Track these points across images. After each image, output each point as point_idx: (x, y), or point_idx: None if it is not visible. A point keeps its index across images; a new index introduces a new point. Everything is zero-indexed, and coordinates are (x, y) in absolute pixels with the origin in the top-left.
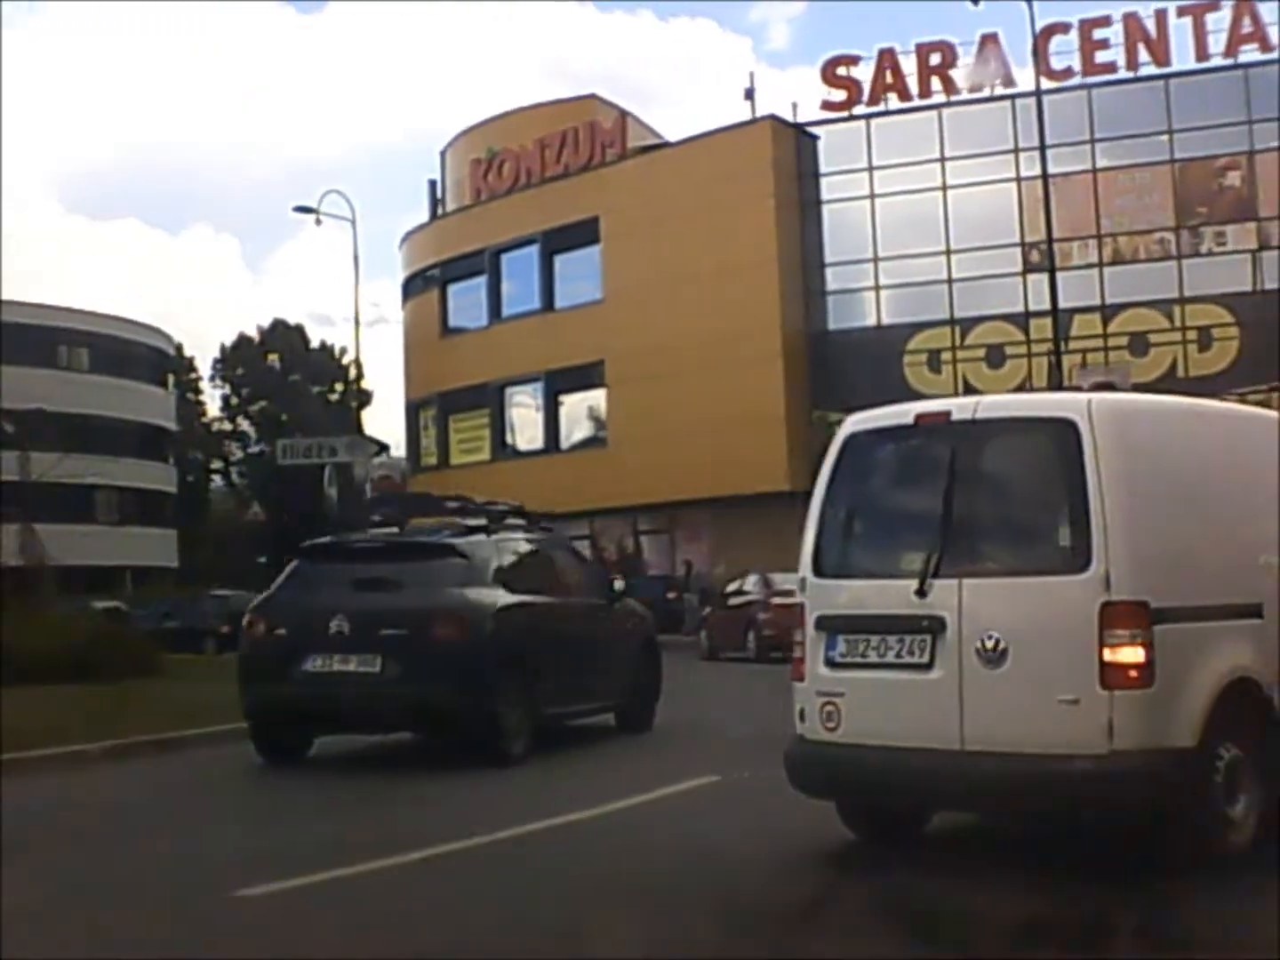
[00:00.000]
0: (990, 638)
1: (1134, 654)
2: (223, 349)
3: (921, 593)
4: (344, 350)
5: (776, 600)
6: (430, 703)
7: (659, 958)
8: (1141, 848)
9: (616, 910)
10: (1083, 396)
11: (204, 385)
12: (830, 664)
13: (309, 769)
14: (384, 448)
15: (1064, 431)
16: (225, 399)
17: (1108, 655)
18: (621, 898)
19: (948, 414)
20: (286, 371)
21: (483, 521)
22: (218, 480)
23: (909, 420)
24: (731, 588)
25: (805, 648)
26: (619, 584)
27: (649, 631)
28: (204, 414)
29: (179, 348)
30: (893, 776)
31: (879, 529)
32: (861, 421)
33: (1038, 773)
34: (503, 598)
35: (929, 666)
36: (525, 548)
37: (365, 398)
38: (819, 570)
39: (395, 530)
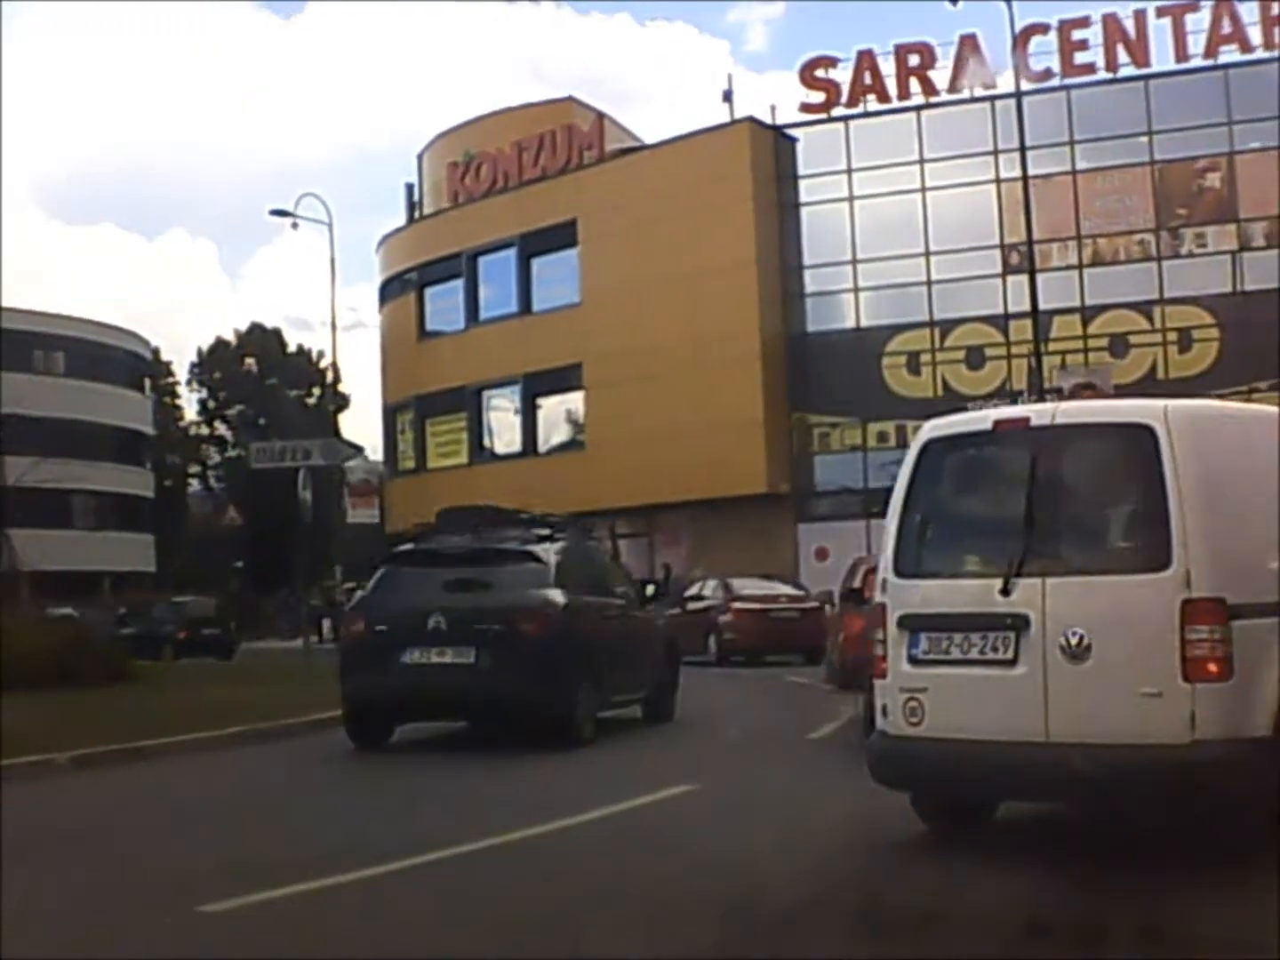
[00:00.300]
0: (1074, 634)
1: (1213, 648)
2: (200, 353)
3: (1006, 591)
4: (321, 354)
5: (736, 605)
6: (519, 691)
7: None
8: (1213, 834)
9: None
10: (1158, 403)
11: (181, 389)
12: (913, 661)
13: (277, 779)
14: (359, 450)
15: (1142, 436)
16: (202, 403)
17: (1189, 650)
18: (613, 903)
19: (1027, 420)
20: (264, 375)
21: (546, 531)
22: (195, 485)
23: (988, 426)
24: (691, 592)
25: (887, 646)
26: (650, 588)
27: (672, 630)
28: (181, 418)
29: (156, 352)
30: (978, 768)
31: (960, 531)
32: (938, 428)
33: (1123, 762)
34: (569, 598)
35: (1013, 662)
36: (578, 554)
37: (343, 401)
38: (900, 571)
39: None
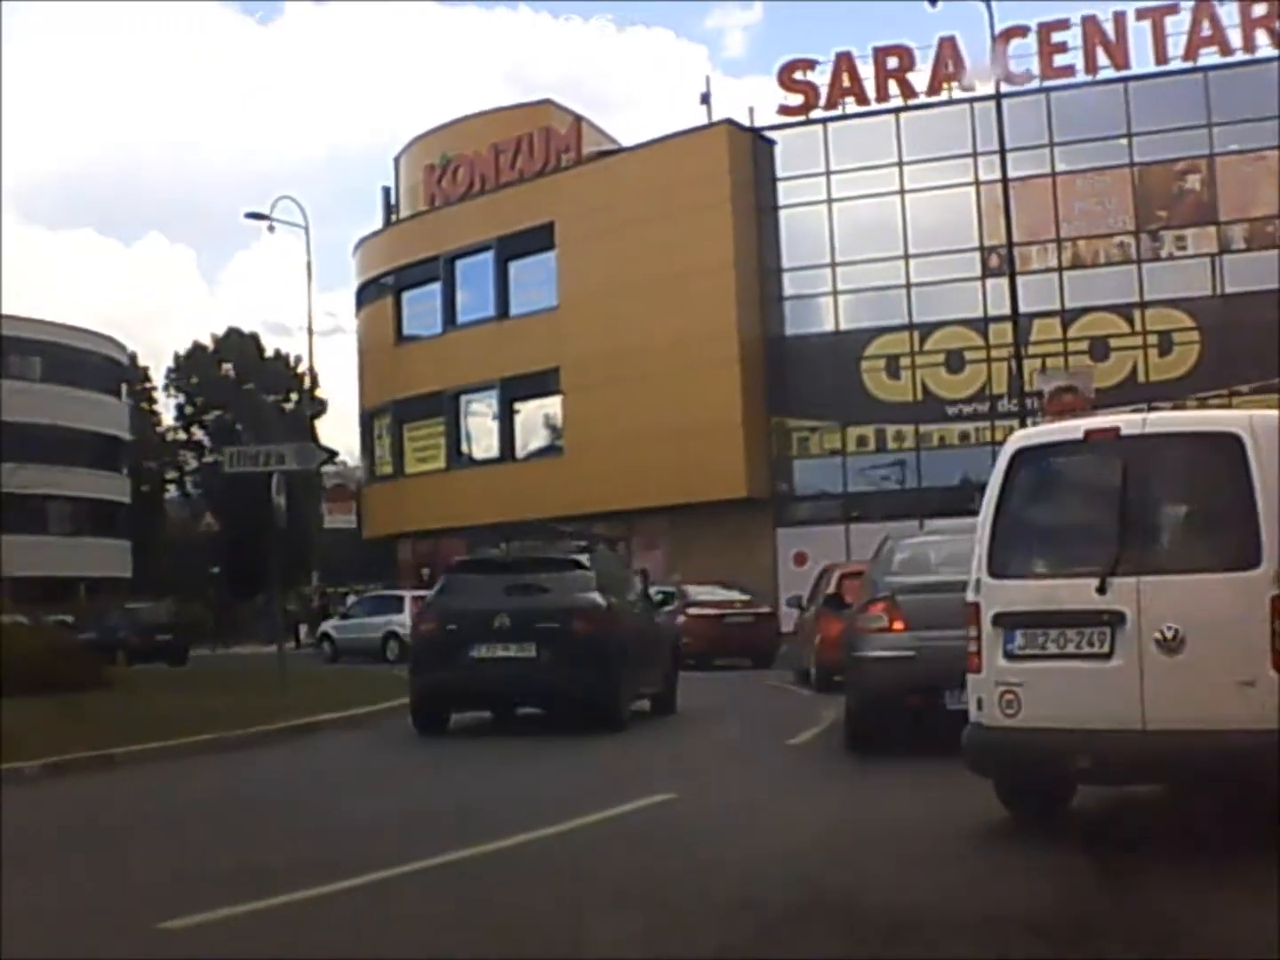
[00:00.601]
0: (1169, 628)
1: None
2: (176, 358)
3: (1102, 590)
4: (299, 359)
5: (692, 611)
6: (574, 681)
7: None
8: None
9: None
10: (1242, 414)
11: (158, 395)
12: (1009, 656)
13: (247, 788)
14: (333, 455)
15: (1230, 444)
16: (179, 408)
17: (1279, 642)
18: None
19: (1117, 429)
20: (241, 380)
21: (584, 543)
22: (172, 490)
23: (1079, 435)
24: None
25: (981, 643)
26: (661, 595)
27: (676, 631)
28: (158, 423)
29: (133, 357)
30: (1075, 756)
31: (1052, 534)
32: (1028, 438)
33: (1218, 747)
34: (609, 600)
35: (1109, 656)
36: (608, 563)
37: (320, 406)
38: (994, 573)
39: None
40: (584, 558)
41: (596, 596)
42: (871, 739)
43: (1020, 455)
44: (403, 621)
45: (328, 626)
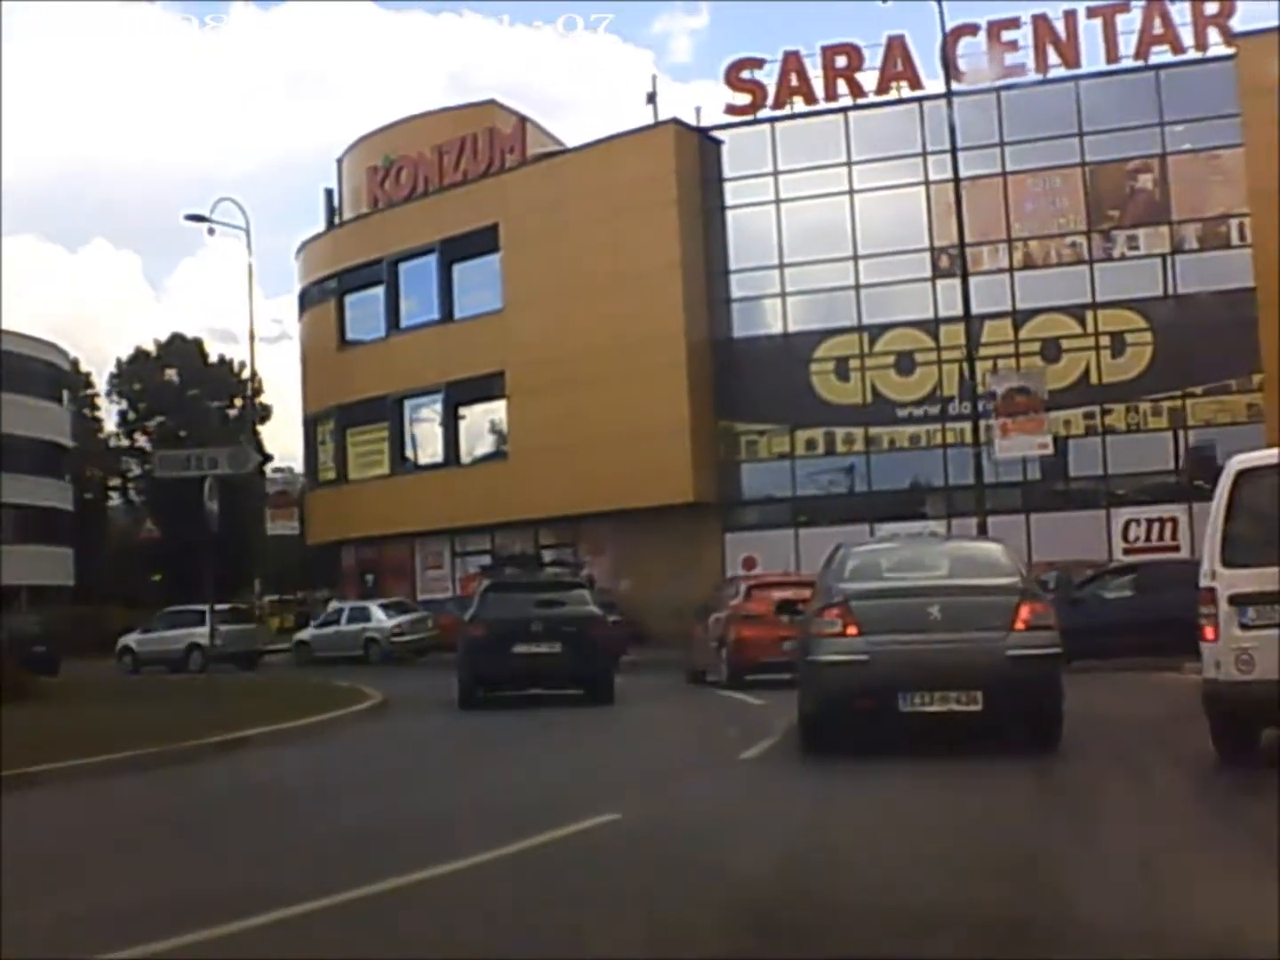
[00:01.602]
0: None
1: None
2: (119, 363)
3: None
4: (243, 365)
5: (612, 617)
6: (588, 669)
7: None
8: None
9: None
10: None
11: (101, 401)
12: (1243, 627)
13: (171, 810)
14: (267, 458)
15: None
16: (122, 414)
17: None
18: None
19: None
20: (185, 386)
21: (569, 568)
22: (115, 497)
23: None
24: None
25: (1218, 618)
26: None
27: (619, 632)
28: (101, 430)
29: (75, 363)
30: None
31: (1274, 534)
32: (1248, 460)
33: None
34: (601, 610)
35: None
36: (585, 582)
37: (265, 412)
38: (1228, 564)
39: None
40: (583, 578)
41: (595, 609)
42: (824, 739)
43: (1243, 474)
44: (204, 634)
45: (129, 640)
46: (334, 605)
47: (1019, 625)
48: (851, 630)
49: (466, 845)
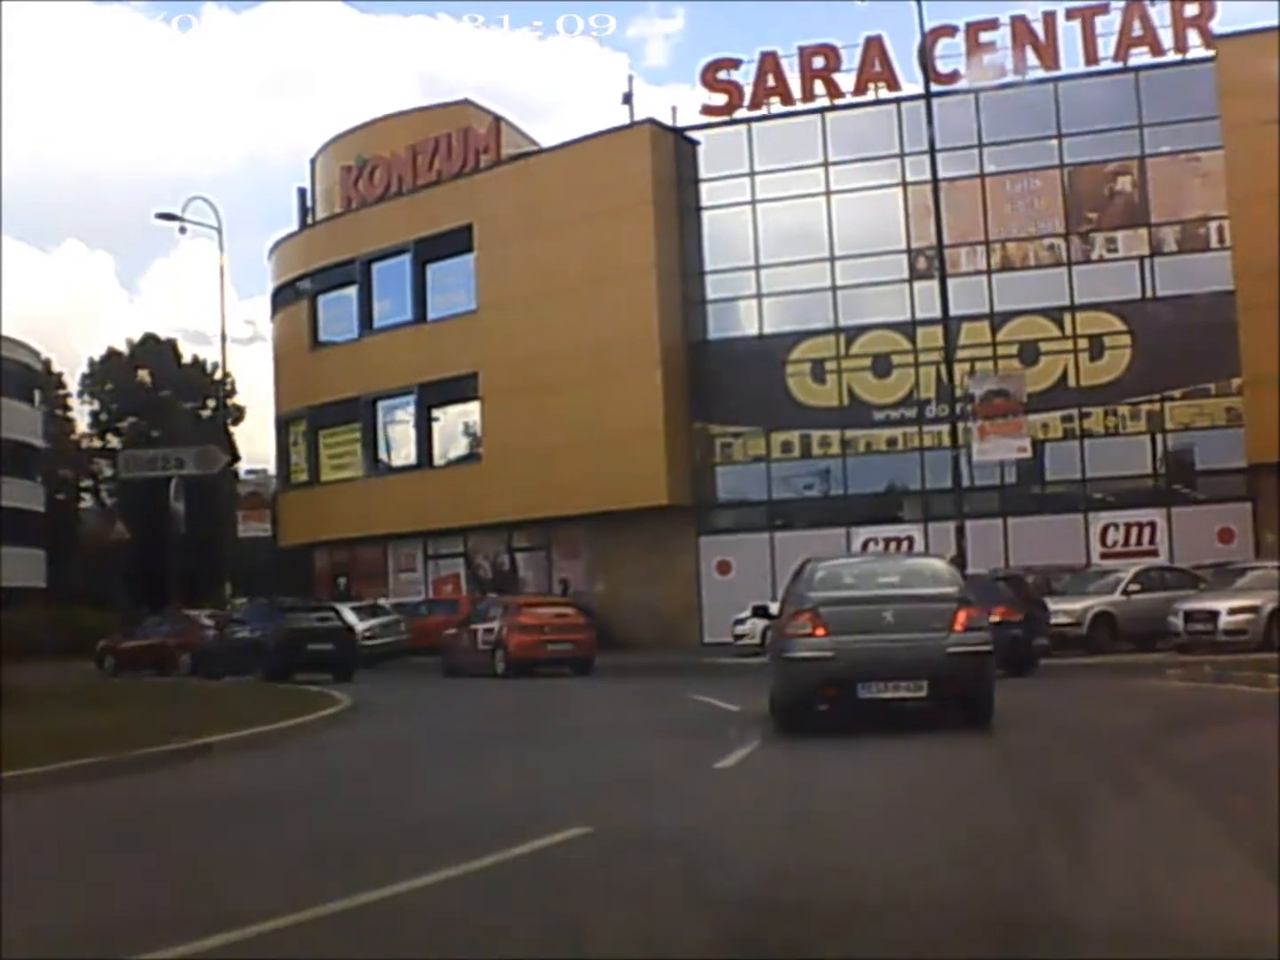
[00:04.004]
0: None
1: None
2: (91, 364)
3: None
4: (216, 366)
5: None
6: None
7: None
8: None
9: None
10: None
11: (73, 401)
12: None
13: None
14: (236, 459)
15: None
16: (94, 415)
17: None
18: None
19: None
20: (157, 387)
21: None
22: (87, 499)
23: None
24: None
25: None
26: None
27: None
28: (73, 431)
29: (47, 363)
30: None
31: None
32: None
33: None
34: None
35: None
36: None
37: (238, 414)
38: None
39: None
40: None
41: (346, 623)
42: (795, 720)
43: None
44: None
45: None
46: None
47: (957, 627)
48: (820, 632)
49: (431, 860)
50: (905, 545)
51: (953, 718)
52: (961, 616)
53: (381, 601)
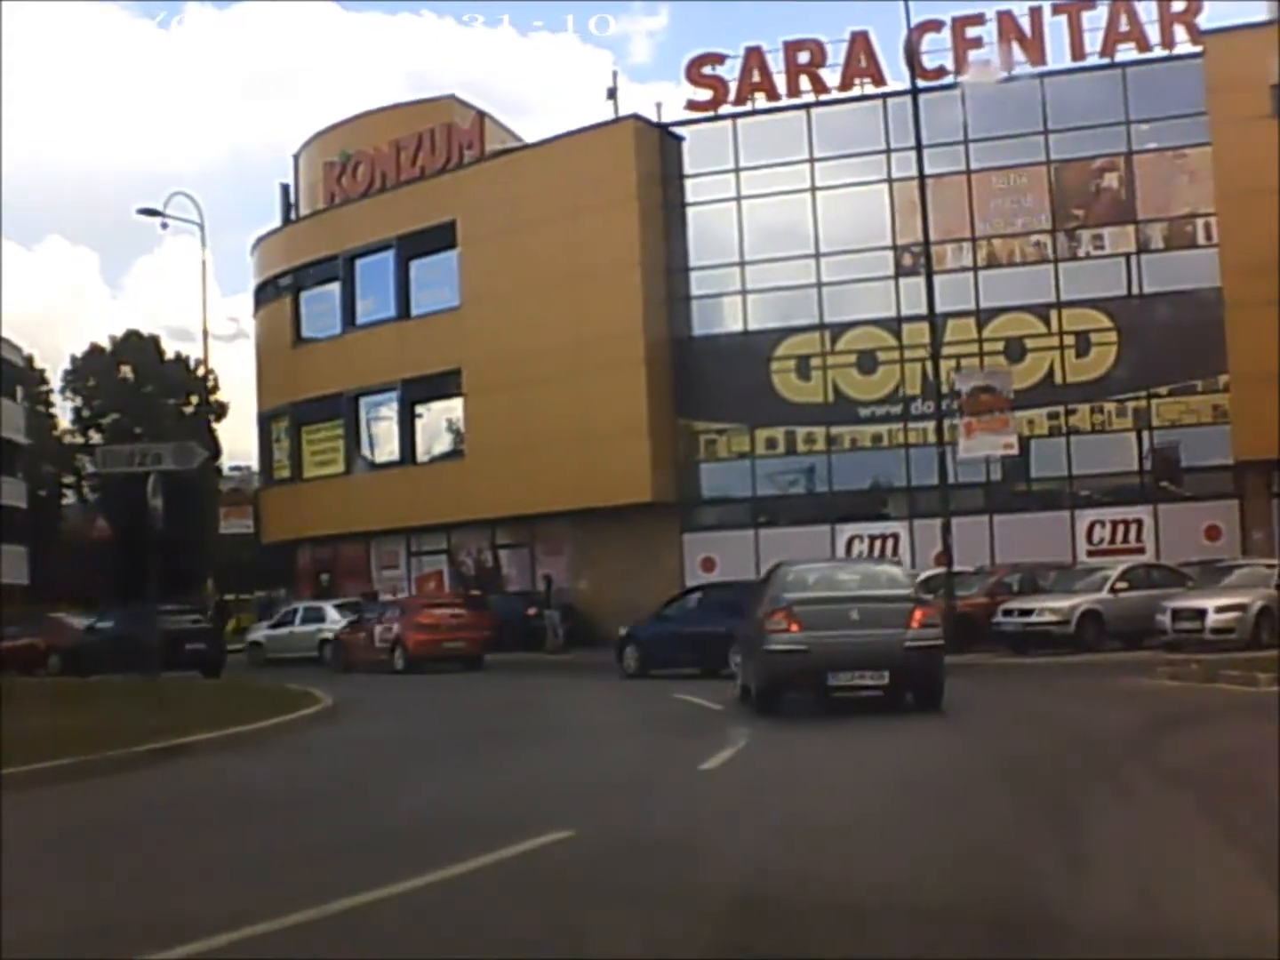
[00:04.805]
0: None
1: None
2: (74, 360)
3: None
4: (199, 362)
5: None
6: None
7: None
8: None
9: None
10: None
11: (55, 398)
12: None
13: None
14: (216, 454)
15: None
16: (76, 411)
17: None
18: None
19: None
20: (140, 383)
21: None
22: (70, 495)
23: None
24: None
25: None
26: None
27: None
28: (55, 427)
29: (29, 359)
30: None
31: None
32: None
33: None
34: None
35: None
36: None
37: (220, 410)
38: None
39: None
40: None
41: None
42: (771, 706)
43: None
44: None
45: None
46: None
47: (913, 624)
48: (794, 627)
49: (410, 865)
50: (890, 542)
51: (908, 709)
52: (918, 615)
53: (359, 599)
